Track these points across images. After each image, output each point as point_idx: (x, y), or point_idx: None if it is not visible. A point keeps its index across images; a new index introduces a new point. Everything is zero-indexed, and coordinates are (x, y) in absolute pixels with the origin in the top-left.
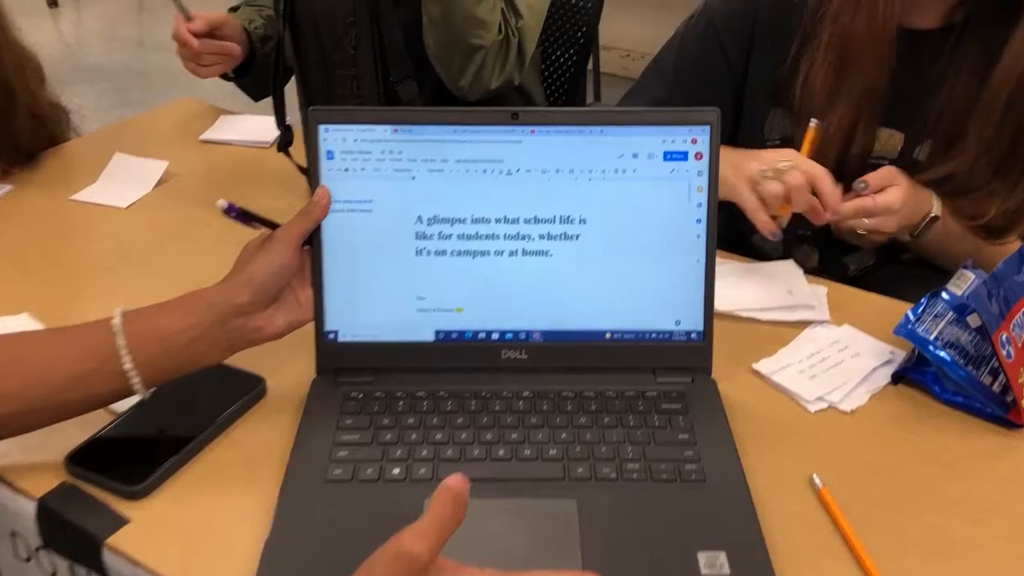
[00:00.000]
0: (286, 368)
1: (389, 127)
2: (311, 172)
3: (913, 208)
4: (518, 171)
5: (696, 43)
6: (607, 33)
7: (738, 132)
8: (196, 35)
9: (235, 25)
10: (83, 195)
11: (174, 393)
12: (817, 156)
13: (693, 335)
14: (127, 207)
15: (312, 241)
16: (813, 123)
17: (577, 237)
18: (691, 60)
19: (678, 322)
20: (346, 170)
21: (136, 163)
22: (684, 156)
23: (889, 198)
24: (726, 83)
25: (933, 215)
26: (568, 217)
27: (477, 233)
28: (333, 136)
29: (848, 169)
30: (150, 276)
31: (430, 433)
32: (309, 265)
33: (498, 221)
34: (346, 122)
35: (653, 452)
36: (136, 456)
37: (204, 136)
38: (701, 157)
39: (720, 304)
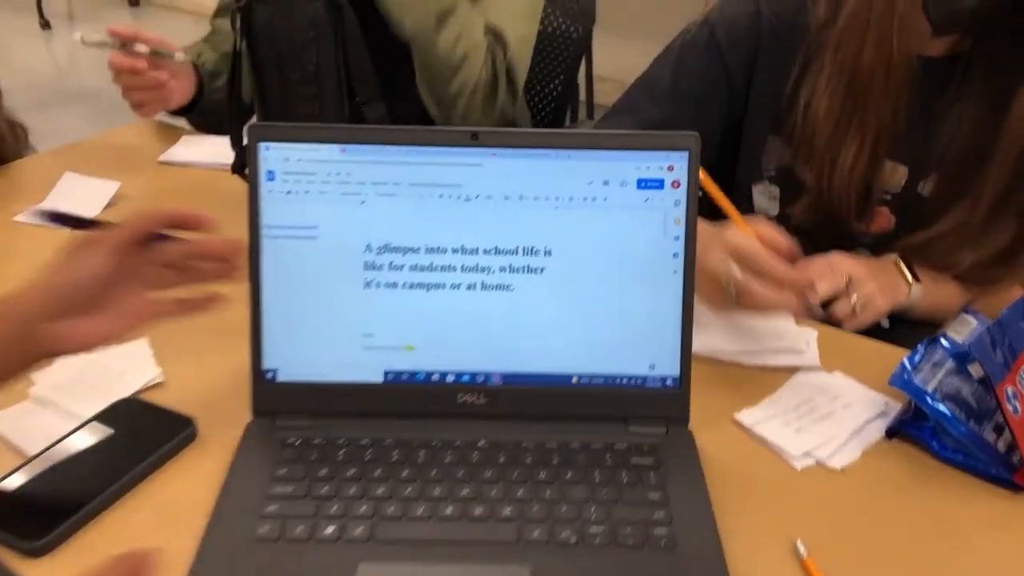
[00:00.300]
0: (222, 408)
1: (336, 146)
2: (250, 194)
3: (884, 284)
4: (477, 197)
5: (695, 58)
6: (603, 64)
7: (737, 161)
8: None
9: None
10: (25, 216)
11: (92, 434)
12: (821, 192)
13: (669, 381)
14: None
15: (250, 270)
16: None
17: (541, 270)
18: (689, 77)
19: (652, 366)
20: (288, 192)
21: (86, 183)
22: (660, 184)
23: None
24: (726, 104)
25: (911, 280)
26: (532, 248)
27: (432, 264)
28: (274, 155)
29: (852, 206)
30: None
31: (371, 487)
32: (151, 273)
33: (455, 251)
34: (289, 140)
35: (620, 512)
36: (40, 507)
37: (162, 157)
38: (678, 186)
39: (699, 346)
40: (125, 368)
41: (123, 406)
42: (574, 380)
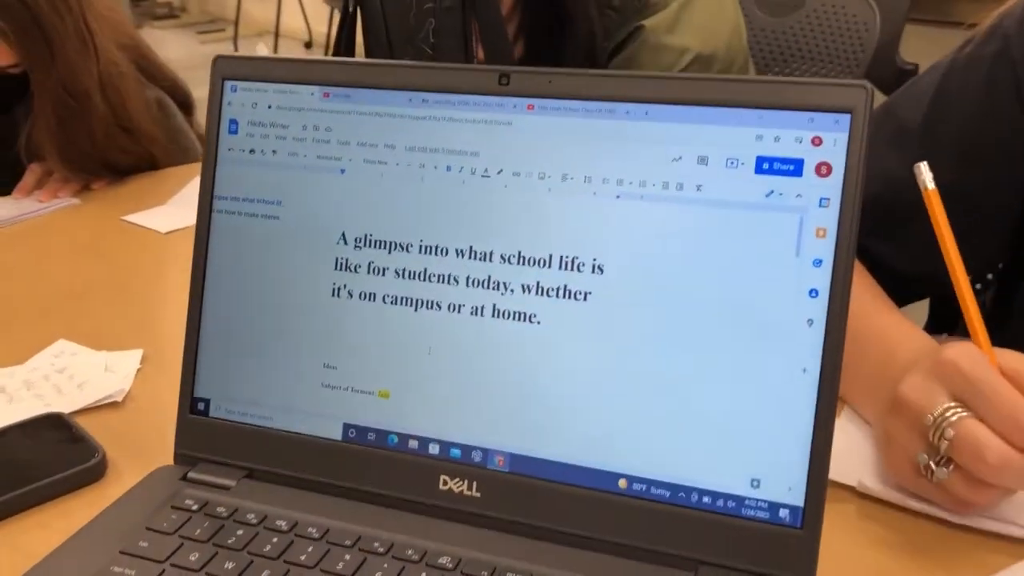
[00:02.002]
0: (162, 443)
1: (318, 88)
2: (206, 152)
3: None
4: (500, 173)
5: (973, 87)
6: None
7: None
8: None
9: None
10: (136, 216)
11: None
12: None
13: (783, 513)
14: (165, 233)
15: (194, 256)
16: (930, 186)
17: (586, 297)
18: (959, 113)
19: (756, 483)
20: (251, 152)
21: None
22: (795, 167)
23: None
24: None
25: None
26: (574, 261)
27: (426, 271)
28: (242, 98)
29: None
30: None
31: None
32: None
33: (460, 255)
34: (261, 78)
35: None
36: None
37: None
38: (828, 172)
39: (842, 468)
40: (88, 377)
41: (46, 421)
42: (621, 484)
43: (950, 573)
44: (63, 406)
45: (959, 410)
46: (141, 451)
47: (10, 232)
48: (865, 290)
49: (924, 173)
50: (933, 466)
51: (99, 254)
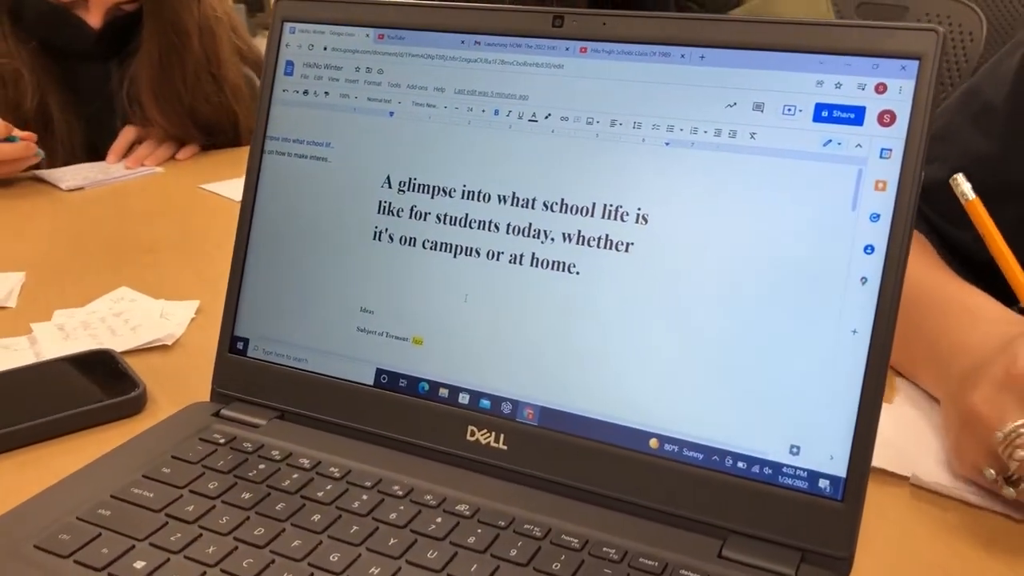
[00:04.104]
0: (200, 384)
1: (373, 31)
2: (261, 91)
3: None
4: (548, 118)
5: None
6: None
7: None
8: None
9: None
10: (212, 185)
11: (36, 373)
12: None
13: (823, 483)
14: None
15: (244, 195)
16: (970, 196)
17: (627, 247)
18: None
19: (795, 450)
20: (305, 92)
21: None
22: (856, 116)
23: None
24: None
25: None
26: (618, 210)
27: (467, 216)
28: (299, 39)
29: None
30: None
31: (252, 526)
32: None
33: (502, 200)
34: (319, 20)
35: None
36: None
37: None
38: (892, 121)
39: (897, 457)
40: (143, 321)
41: (95, 356)
42: (652, 444)
43: (1014, 570)
44: (115, 345)
45: None
46: (182, 390)
47: (95, 193)
48: (932, 266)
49: (962, 184)
50: (1002, 482)
51: (174, 216)
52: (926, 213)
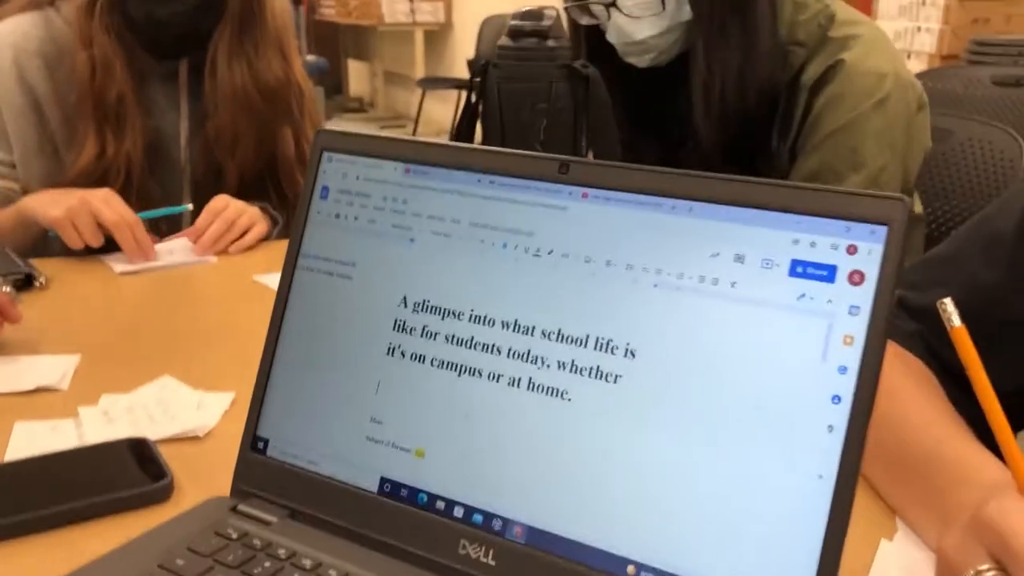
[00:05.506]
0: (224, 477)
1: (401, 165)
2: (298, 212)
3: None
4: (551, 254)
5: None
6: None
7: None
8: None
9: None
10: (264, 277)
11: (77, 457)
12: None
13: None
14: None
15: (275, 306)
16: (956, 323)
17: (616, 379)
18: None
19: None
20: (336, 216)
21: None
22: (828, 273)
23: None
24: None
25: None
26: (608, 343)
27: (472, 339)
28: (334, 168)
29: None
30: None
31: None
32: None
33: (505, 326)
34: (354, 152)
35: None
36: None
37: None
38: (861, 281)
39: None
40: (180, 412)
41: (132, 444)
42: (629, 571)
43: None
44: (152, 433)
45: (991, 573)
46: (208, 482)
47: (148, 278)
48: (933, 407)
49: (949, 309)
50: None
51: (224, 306)
52: (928, 339)
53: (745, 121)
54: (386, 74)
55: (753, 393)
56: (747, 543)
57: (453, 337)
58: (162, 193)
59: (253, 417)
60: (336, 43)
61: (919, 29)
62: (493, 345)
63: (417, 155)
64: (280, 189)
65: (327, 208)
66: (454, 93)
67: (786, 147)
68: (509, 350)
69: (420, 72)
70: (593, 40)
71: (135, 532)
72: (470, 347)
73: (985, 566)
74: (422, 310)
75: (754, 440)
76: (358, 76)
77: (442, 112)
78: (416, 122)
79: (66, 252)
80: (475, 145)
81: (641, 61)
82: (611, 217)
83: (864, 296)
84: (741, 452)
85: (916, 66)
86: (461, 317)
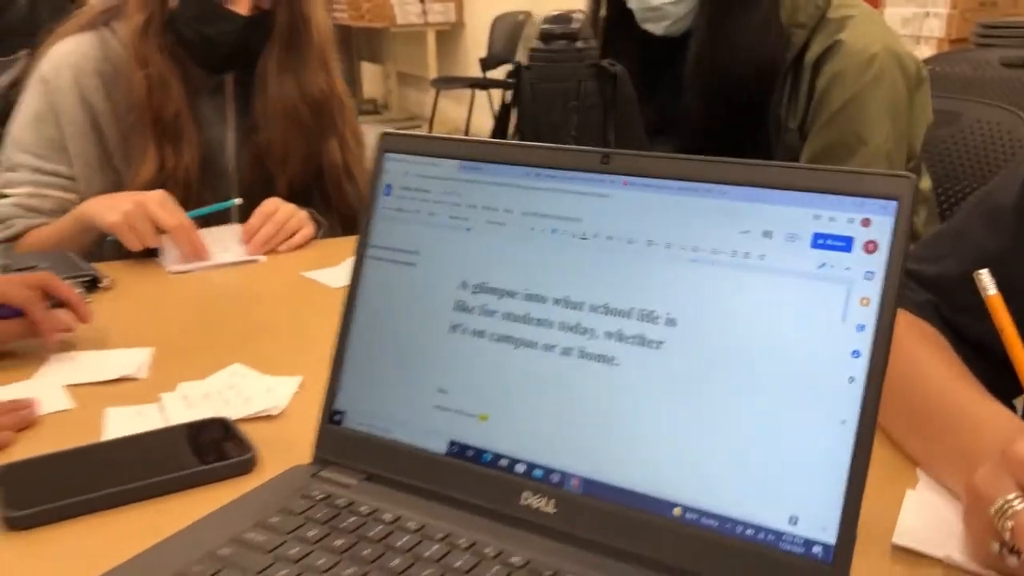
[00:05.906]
0: (302, 449)
1: (456, 162)
2: (367, 208)
3: None
4: (596, 236)
5: None
6: None
7: None
8: None
9: None
10: (313, 272)
11: (156, 435)
12: None
13: (816, 549)
14: (336, 288)
15: (348, 292)
16: (992, 291)
17: (658, 345)
18: None
19: (794, 520)
20: (399, 210)
21: None
22: (846, 244)
23: None
24: None
25: None
26: (651, 313)
27: (527, 315)
28: (396, 167)
29: None
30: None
31: (345, 567)
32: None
33: (556, 302)
34: (413, 152)
35: None
36: (49, 484)
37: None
38: (875, 249)
39: (930, 540)
40: (253, 394)
41: (213, 423)
42: (675, 512)
43: None
44: (229, 414)
45: (1020, 500)
46: (287, 454)
47: (204, 275)
48: (949, 368)
49: (985, 279)
50: (1006, 554)
51: (278, 301)
52: (940, 308)
53: (737, 93)
54: (399, 75)
55: (782, 351)
56: (779, 483)
57: (509, 314)
58: (213, 200)
59: (330, 392)
60: (349, 46)
61: (927, 14)
62: (546, 320)
63: (471, 153)
64: (326, 196)
65: (391, 203)
66: (467, 92)
67: (796, 125)
68: (561, 323)
69: (433, 72)
70: (615, 13)
71: (226, 500)
72: (525, 322)
73: (1013, 495)
74: (480, 291)
75: (783, 392)
76: (372, 78)
77: (456, 111)
78: (431, 122)
79: (118, 255)
80: (523, 143)
81: (657, 28)
82: (650, 202)
83: (878, 263)
84: (772, 403)
85: (925, 51)
86: (516, 296)
